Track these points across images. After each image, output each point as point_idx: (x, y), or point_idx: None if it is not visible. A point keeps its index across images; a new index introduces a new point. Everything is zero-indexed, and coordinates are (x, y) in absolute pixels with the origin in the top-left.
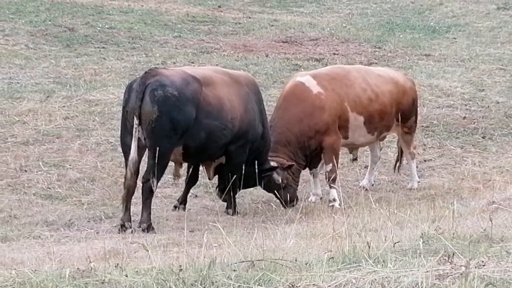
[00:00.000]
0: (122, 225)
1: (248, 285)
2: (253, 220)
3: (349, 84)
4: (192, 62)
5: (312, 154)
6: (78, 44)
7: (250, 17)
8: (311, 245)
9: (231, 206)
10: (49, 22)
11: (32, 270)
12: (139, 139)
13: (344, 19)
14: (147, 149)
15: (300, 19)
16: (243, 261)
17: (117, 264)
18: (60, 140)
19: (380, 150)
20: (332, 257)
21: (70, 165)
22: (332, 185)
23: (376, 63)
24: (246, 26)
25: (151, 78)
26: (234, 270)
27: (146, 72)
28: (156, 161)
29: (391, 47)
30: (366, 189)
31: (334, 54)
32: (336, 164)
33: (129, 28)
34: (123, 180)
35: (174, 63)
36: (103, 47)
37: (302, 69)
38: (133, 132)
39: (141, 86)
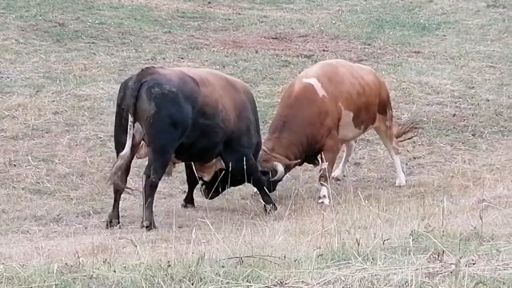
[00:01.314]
0: (109, 222)
1: (236, 282)
2: (242, 216)
3: (340, 81)
4: (182, 58)
5: (311, 153)
6: (68, 39)
7: (239, 13)
8: (300, 242)
9: (269, 202)
10: (40, 17)
11: (20, 265)
12: (133, 136)
13: (334, 15)
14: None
15: (290, 15)
16: (231, 258)
17: (105, 259)
18: (49, 135)
19: (356, 142)
20: (321, 254)
21: (59, 160)
22: (323, 182)
23: (365, 60)
24: (236, 22)
25: (147, 76)
26: (223, 267)
27: (142, 70)
28: (156, 156)
29: (380, 44)
30: (338, 179)
31: (324, 50)
32: (333, 165)
33: (119, 24)
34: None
35: (164, 58)
36: (93, 42)
37: (292, 66)
38: (128, 129)
39: (136, 83)
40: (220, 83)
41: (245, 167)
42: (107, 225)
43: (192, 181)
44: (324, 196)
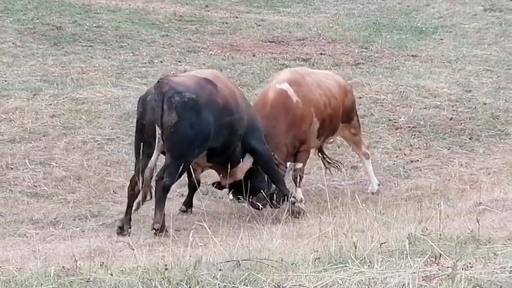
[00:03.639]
0: (121, 227)
1: (233, 285)
2: (239, 219)
3: (309, 90)
4: (179, 61)
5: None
6: (65, 42)
7: (237, 17)
8: (297, 245)
9: (296, 211)
10: (37, 21)
11: (17, 268)
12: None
13: (331, 19)
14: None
15: (287, 19)
16: (229, 261)
17: (102, 262)
18: (47, 138)
19: None
20: (318, 258)
21: (56, 163)
22: (298, 185)
23: (363, 64)
24: (233, 25)
25: (165, 87)
26: (220, 270)
27: (158, 82)
28: (173, 161)
29: (377, 48)
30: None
31: (321, 54)
32: (305, 165)
33: (116, 27)
34: (109, 178)
35: (161, 62)
36: (91, 46)
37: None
38: (157, 142)
39: (159, 96)
40: (225, 77)
41: (266, 159)
42: (117, 230)
43: (193, 187)
44: (301, 199)
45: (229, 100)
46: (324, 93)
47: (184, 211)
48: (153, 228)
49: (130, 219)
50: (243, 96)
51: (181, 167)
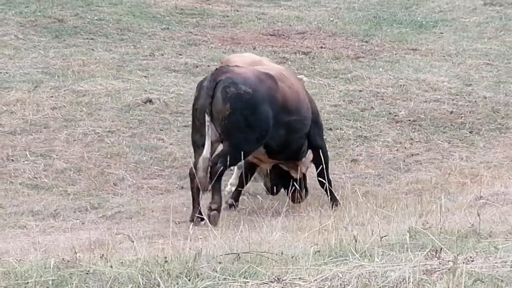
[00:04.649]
0: (191, 220)
1: (233, 278)
2: (239, 212)
3: None
4: (180, 54)
5: None
6: (67, 35)
7: (238, 10)
8: (297, 239)
9: (335, 199)
10: (39, 13)
11: (16, 260)
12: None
13: (332, 13)
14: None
15: (288, 12)
16: (228, 254)
17: (102, 255)
18: (47, 130)
19: None
20: (319, 251)
21: (56, 155)
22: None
23: (363, 57)
24: (234, 19)
25: (222, 75)
26: (220, 263)
27: (216, 69)
28: (229, 150)
29: (378, 41)
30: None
31: (321, 47)
32: None
33: (117, 20)
34: (109, 171)
35: (162, 55)
36: (92, 38)
37: (289, 62)
38: (206, 130)
39: (212, 83)
40: (292, 74)
41: (325, 156)
42: (193, 222)
43: (244, 182)
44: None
45: (290, 100)
46: None
47: (231, 205)
48: (210, 208)
49: (199, 211)
50: (308, 95)
51: (235, 156)
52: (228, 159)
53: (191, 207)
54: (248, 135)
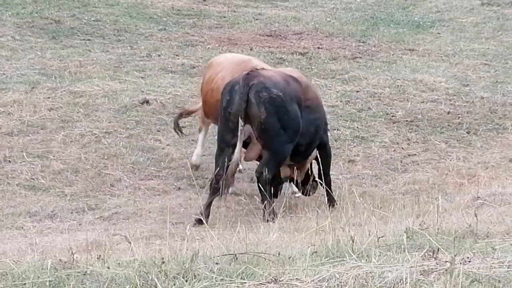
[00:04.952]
0: (199, 220)
1: (230, 279)
2: (236, 213)
3: None
4: (177, 55)
5: None
6: (64, 36)
7: (234, 11)
8: (295, 239)
9: (332, 199)
10: (36, 14)
11: (14, 261)
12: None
13: (329, 13)
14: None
15: (285, 13)
16: (225, 254)
17: (99, 255)
18: (44, 131)
19: None
20: (316, 252)
21: (53, 156)
22: None
23: (360, 58)
24: (231, 19)
25: (253, 79)
26: (217, 263)
27: (247, 73)
28: (271, 157)
29: (375, 42)
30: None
31: (318, 48)
32: None
33: (114, 21)
34: (106, 171)
35: (159, 55)
36: (89, 39)
37: (287, 63)
38: (239, 134)
39: (245, 88)
40: (303, 75)
41: (329, 154)
42: (197, 224)
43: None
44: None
45: (311, 99)
46: None
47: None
48: (265, 219)
49: (209, 212)
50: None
51: (278, 161)
52: (272, 165)
53: (204, 207)
54: (283, 137)
